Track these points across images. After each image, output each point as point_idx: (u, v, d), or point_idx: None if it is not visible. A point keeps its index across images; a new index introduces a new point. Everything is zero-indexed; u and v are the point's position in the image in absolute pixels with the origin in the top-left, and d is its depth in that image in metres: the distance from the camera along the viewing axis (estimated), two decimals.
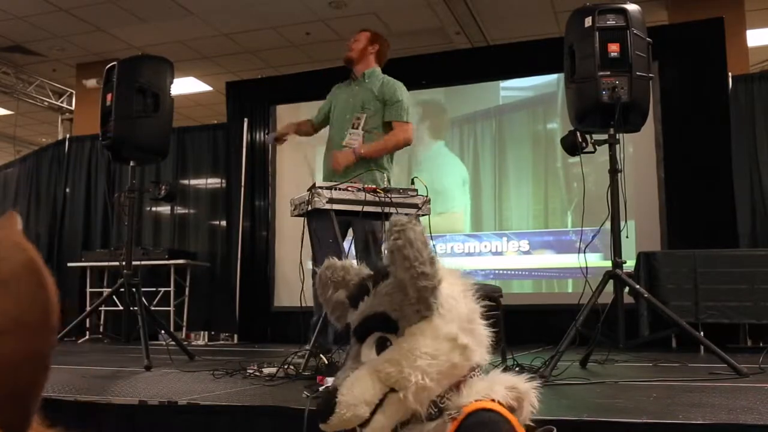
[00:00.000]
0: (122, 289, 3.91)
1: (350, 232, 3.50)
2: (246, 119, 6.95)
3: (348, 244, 3.38)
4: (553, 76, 6.05)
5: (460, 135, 6.42)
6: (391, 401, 1.10)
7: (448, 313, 1.10)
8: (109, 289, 4.59)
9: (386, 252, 1.12)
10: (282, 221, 6.61)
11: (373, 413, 1.10)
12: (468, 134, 6.40)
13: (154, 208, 7.44)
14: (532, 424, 1.16)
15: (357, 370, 1.13)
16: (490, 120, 6.34)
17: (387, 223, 1.12)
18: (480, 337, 1.15)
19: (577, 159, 3.63)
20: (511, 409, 1.11)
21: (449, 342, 1.09)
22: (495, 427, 1.05)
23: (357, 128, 3.56)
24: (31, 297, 0.53)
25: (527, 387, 1.15)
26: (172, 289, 6.68)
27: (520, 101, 6.30)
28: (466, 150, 6.38)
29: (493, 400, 1.09)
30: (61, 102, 9.63)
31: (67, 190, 7.78)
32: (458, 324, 1.10)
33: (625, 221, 3.29)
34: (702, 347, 3.86)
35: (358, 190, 3.04)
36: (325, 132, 3.91)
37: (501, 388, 1.11)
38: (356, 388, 1.11)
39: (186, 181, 7.44)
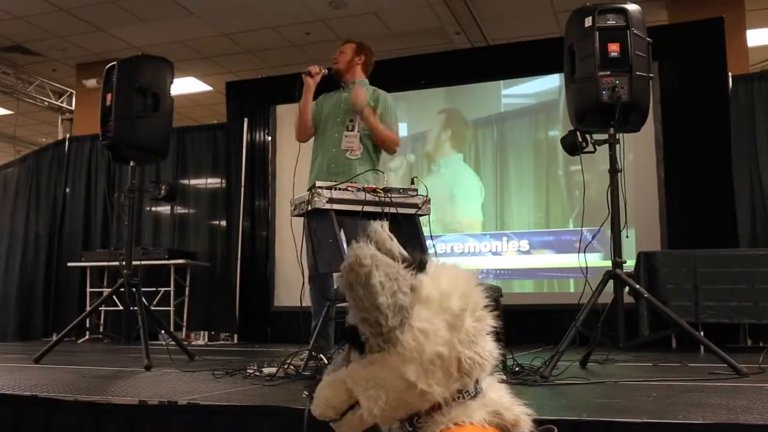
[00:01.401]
0: (122, 289, 3.91)
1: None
2: (246, 119, 6.95)
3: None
4: (555, 83, 6.05)
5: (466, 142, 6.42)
6: (357, 411, 1.11)
7: (410, 352, 1.04)
8: (109, 289, 4.58)
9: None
10: (282, 221, 6.60)
11: (344, 413, 1.12)
12: (469, 140, 6.40)
13: (154, 208, 7.43)
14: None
15: (337, 372, 1.14)
16: (491, 127, 6.33)
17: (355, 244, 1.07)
18: (467, 365, 1.09)
19: (578, 166, 3.63)
20: (504, 429, 1.10)
21: (404, 383, 1.05)
22: None
23: (352, 130, 3.60)
24: None
25: (518, 414, 1.11)
26: (172, 289, 6.67)
27: (521, 108, 6.29)
28: (467, 156, 6.38)
29: (471, 425, 1.07)
30: (61, 102, 9.63)
31: (67, 190, 7.78)
32: (419, 365, 1.05)
33: (626, 225, 3.29)
34: (702, 347, 3.87)
35: (358, 190, 3.04)
36: None
37: (481, 413, 1.08)
38: (326, 391, 1.13)
39: (186, 181, 7.43)
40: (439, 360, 1.06)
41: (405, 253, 1.15)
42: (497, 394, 1.15)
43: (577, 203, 5.85)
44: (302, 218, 3.39)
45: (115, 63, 3.97)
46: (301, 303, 3.52)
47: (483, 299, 1.15)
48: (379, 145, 3.66)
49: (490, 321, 1.15)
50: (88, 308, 5.70)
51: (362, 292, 1.04)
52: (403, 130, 6.59)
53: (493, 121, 6.33)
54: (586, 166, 3.45)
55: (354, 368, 1.12)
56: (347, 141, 3.59)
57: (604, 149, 3.32)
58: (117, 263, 5.70)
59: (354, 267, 1.03)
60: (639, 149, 5.58)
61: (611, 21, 3.20)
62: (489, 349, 1.14)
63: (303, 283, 3.49)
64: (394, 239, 1.15)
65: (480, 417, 1.08)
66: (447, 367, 1.07)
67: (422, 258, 1.14)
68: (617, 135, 3.27)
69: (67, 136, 8.69)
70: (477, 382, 1.12)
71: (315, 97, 3.82)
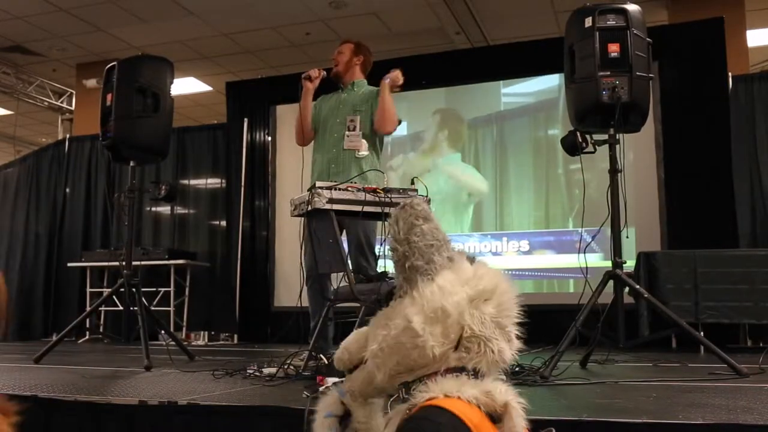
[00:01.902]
0: (122, 289, 3.91)
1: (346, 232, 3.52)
2: (246, 119, 6.95)
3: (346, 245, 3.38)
4: (555, 82, 6.05)
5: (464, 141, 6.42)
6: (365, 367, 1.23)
7: (421, 299, 1.16)
8: (109, 289, 4.59)
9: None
10: (282, 221, 6.61)
11: (356, 366, 1.24)
12: (469, 140, 6.40)
13: (154, 208, 7.43)
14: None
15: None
16: (491, 126, 6.33)
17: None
18: (465, 340, 1.16)
19: (578, 165, 3.63)
20: (493, 418, 1.12)
21: (404, 321, 1.16)
22: (427, 424, 1.08)
23: (354, 130, 3.60)
24: None
25: (510, 400, 1.15)
26: (172, 289, 6.67)
27: (521, 107, 6.29)
28: (468, 155, 6.38)
29: (458, 399, 1.10)
30: (61, 102, 9.63)
31: (67, 190, 7.78)
32: (422, 311, 1.15)
33: (626, 224, 3.29)
34: (702, 347, 3.87)
35: (358, 190, 3.04)
36: None
37: (472, 390, 1.12)
38: (349, 338, 1.28)
39: (186, 181, 7.43)
40: (442, 314, 1.15)
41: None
42: (494, 383, 1.18)
43: (576, 202, 5.85)
44: (301, 218, 3.40)
45: (115, 63, 3.96)
46: (300, 303, 3.52)
47: (514, 304, 1.26)
48: (378, 120, 3.61)
49: (512, 324, 1.23)
50: (88, 308, 5.70)
51: (402, 225, 1.20)
52: (402, 129, 6.59)
53: (492, 120, 6.33)
54: (586, 165, 3.45)
55: (375, 317, 1.24)
56: (350, 141, 3.59)
57: (604, 149, 3.32)
58: (117, 263, 5.70)
59: (407, 206, 1.21)
60: (639, 149, 5.58)
61: (611, 21, 3.20)
62: (502, 345, 1.19)
63: (302, 283, 3.49)
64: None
65: (470, 393, 1.12)
66: (447, 327, 1.16)
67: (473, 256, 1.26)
68: (617, 135, 3.27)
69: (67, 136, 8.69)
70: (476, 371, 1.16)
71: (313, 99, 3.82)
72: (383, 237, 3.14)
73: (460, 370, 1.16)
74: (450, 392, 1.12)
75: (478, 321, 1.17)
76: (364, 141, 3.60)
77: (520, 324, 1.25)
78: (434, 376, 1.15)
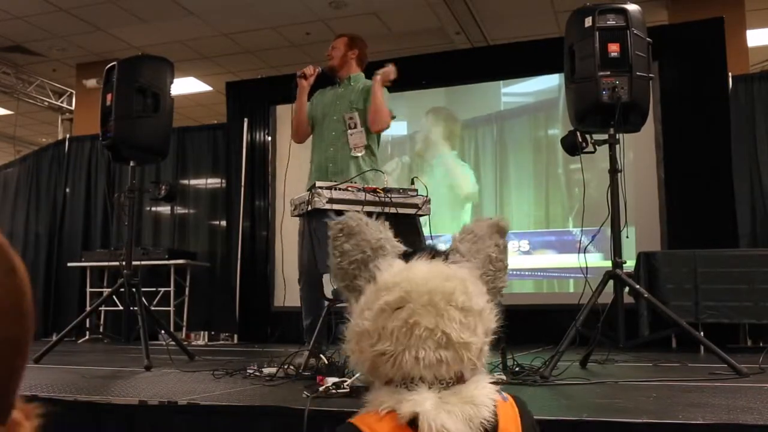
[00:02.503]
0: (122, 289, 3.92)
1: None
2: (246, 119, 6.95)
3: None
4: (554, 82, 6.05)
5: (461, 140, 6.41)
6: None
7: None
8: (109, 289, 4.59)
9: None
10: (282, 221, 6.60)
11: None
12: (469, 139, 6.39)
13: (154, 208, 7.43)
14: None
15: None
16: (491, 125, 6.33)
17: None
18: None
19: (578, 165, 3.63)
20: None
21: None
22: None
23: (355, 127, 3.56)
24: (1, 284, 0.52)
25: (421, 409, 1.05)
26: (172, 289, 6.67)
27: (521, 107, 6.29)
28: (467, 155, 6.38)
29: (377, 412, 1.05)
30: (61, 102, 9.63)
31: (67, 190, 7.78)
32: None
33: (626, 225, 3.29)
34: (702, 347, 3.86)
35: (358, 190, 3.04)
36: None
37: (383, 401, 1.06)
38: None
39: (186, 181, 7.43)
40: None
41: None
42: (415, 393, 1.08)
43: (576, 201, 5.85)
44: (298, 218, 3.41)
45: (115, 63, 3.97)
46: (300, 303, 3.53)
47: (459, 293, 1.14)
48: (370, 118, 3.55)
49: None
50: (88, 308, 5.70)
51: (337, 244, 1.24)
52: (402, 129, 6.60)
53: (492, 119, 6.33)
54: (586, 164, 3.45)
55: None
56: (354, 139, 3.55)
57: (603, 149, 3.32)
58: (117, 263, 5.69)
59: (334, 226, 1.26)
60: (639, 149, 5.58)
61: (611, 21, 3.20)
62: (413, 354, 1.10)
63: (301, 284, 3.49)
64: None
65: (389, 405, 1.05)
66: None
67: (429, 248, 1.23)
68: (617, 135, 3.27)
69: (67, 136, 8.69)
70: (413, 380, 1.07)
71: (310, 95, 3.78)
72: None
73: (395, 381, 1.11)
74: (383, 406, 1.08)
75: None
76: (363, 138, 3.58)
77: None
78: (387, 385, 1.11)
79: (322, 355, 2.94)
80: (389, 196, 3.06)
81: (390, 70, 3.55)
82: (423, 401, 1.06)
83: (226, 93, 7.36)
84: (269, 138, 6.93)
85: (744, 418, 1.76)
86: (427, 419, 1.03)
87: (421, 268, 1.18)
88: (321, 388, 2.24)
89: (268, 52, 8.26)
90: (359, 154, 3.55)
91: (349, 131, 3.56)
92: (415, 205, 3.16)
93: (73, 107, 9.53)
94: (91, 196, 7.66)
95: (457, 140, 6.47)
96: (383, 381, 1.12)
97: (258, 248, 6.80)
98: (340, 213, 3.00)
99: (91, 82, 8.43)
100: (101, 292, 6.48)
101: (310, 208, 2.99)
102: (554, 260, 5.89)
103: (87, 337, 6.85)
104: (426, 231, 3.24)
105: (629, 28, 3.17)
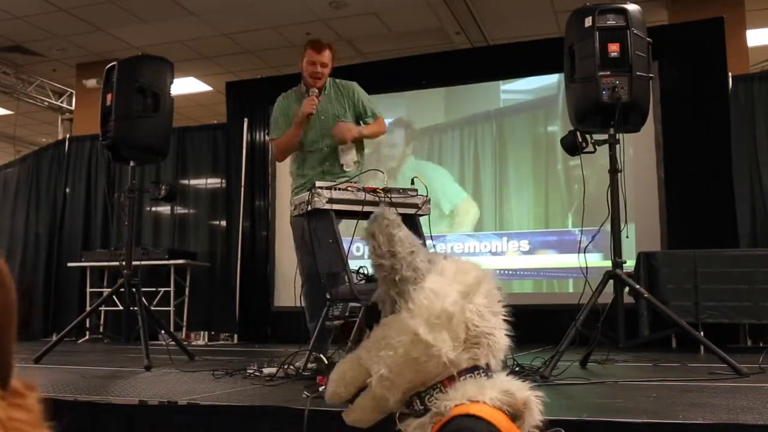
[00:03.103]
0: (122, 289, 3.91)
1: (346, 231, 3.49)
2: (246, 119, 6.95)
3: (347, 244, 3.37)
4: (554, 79, 6.05)
5: (461, 137, 6.41)
6: (368, 391, 1.16)
7: (418, 308, 1.12)
8: (109, 289, 4.58)
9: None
10: (282, 221, 6.60)
11: (357, 395, 1.17)
12: (468, 136, 6.39)
13: (154, 208, 7.43)
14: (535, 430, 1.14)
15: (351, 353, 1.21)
16: (490, 122, 6.33)
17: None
18: (471, 338, 1.14)
19: (577, 161, 3.63)
20: (513, 416, 1.10)
21: (410, 336, 1.10)
22: None
23: (346, 142, 3.53)
24: None
25: (529, 395, 1.14)
26: (172, 289, 6.67)
27: (520, 104, 6.30)
28: (467, 152, 6.37)
29: (484, 403, 1.08)
30: (61, 102, 9.62)
31: (67, 190, 7.77)
32: (425, 319, 1.11)
33: (626, 223, 3.29)
34: (702, 347, 3.87)
35: (358, 190, 3.04)
36: None
37: (493, 392, 1.11)
38: (340, 368, 1.21)
39: (186, 181, 7.43)
40: (446, 317, 1.12)
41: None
42: (507, 379, 1.18)
43: (575, 198, 5.86)
44: (294, 218, 3.40)
45: (115, 63, 3.97)
46: (301, 303, 3.52)
47: (497, 290, 1.23)
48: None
49: (501, 309, 1.22)
50: (88, 308, 5.70)
51: (382, 239, 1.14)
52: (402, 128, 6.60)
53: (491, 117, 6.33)
54: (585, 162, 3.45)
55: (367, 339, 1.18)
56: (345, 155, 3.54)
57: (603, 148, 3.32)
58: (117, 263, 5.70)
59: (379, 218, 1.16)
60: (639, 149, 5.58)
61: (611, 21, 3.20)
62: (498, 332, 1.18)
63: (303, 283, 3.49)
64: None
65: (492, 395, 1.10)
66: (454, 328, 1.12)
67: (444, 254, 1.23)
68: (617, 135, 3.27)
69: (67, 136, 8.69)
70: (488, 366, 1.15)
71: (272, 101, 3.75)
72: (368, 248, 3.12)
73: (473, 369, 1.14)
74: (473, 397, 1.09)
75: (476, 315, 1.15)
76: (354, 153, 3.58)
77: (506, 308, 1.25)
78: (451, 382, 1.12)
79: (322, 356, 2.94)
80: (389, 196, 3.06)
81: (344, 136, 3.49)
82: (524, 387, 1.15)
83: (226, 93, 7.36)
84: (269, 138, 6.92)
85: (744, 418, 1.76)
86: (537, 404, 1.13)
87: (466, 260, 1.25)
88: (321, 388, 2.24)
89: (268, 52, 8.26)
90: (349, 170, 3.56)
91: (340, 147, 3.55)
92: (415, 205, 3.16)
93: (73, 107, 9.53)
94: (91, 196, 7.66)
95: (429, 148, 6.48)
96: (445, 375, 1.11)
97: (258, 248, 6.80)
98: (340, 213, 3.01)
99: (91, 82, 8.43)
100: (101, 292, 6.48)
101: (310, 208, 2.99)
102: (554, 260, 5.89)
103: (87, 337, 6.85)
104: (426, 231, 3.24)
105: (629, 28, 3.16)
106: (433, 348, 1.10)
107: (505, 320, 1.21)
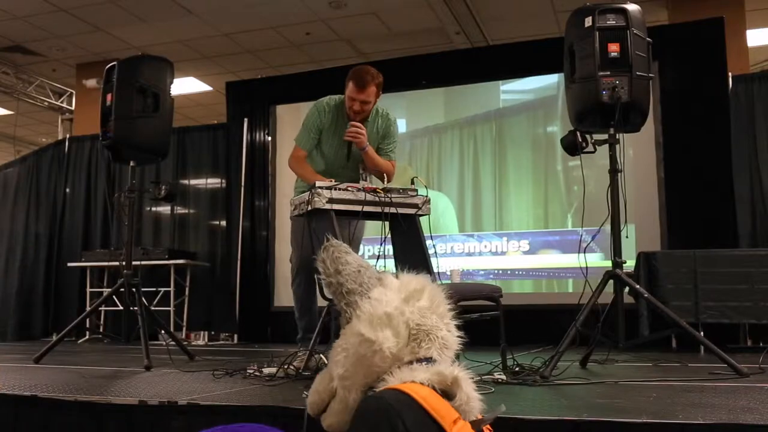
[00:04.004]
0: (122, 289, 3.91)
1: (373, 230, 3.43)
2: (246, 119, 6.95)
3: (376, 244, 3.34)
4: (554, 79, 6.05)
5: (460, 137, 6.41)
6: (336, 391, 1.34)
7: (363, 313, 1.32)
8: (109, 289, 4.58)
9: None
10: (282, 221, 6.60)
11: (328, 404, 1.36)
12: (468, 137, 6.39)
13: (154, 208, 7.43)
14: (481, 416, 1.26)
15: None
16: (490, 123, 6.33)
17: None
18: (413, 334, 1.31)
19: (577, 162, 3.63)
20: (446, 395, 1.24)
21: (357, 337, 1.29)
22: (371, 399, 1.21)
23: (365, 179, 3.39)
24: None
25: (457, 372, 1.27)
26: (172, 289, 6.67)
27: (520, 104, 6.29)
28: (466, 152, 6.38)
29: (413, 383, 1.23)
30: (61, 102, 9.62)
31: (67, 190, 7.77)
32: (369, 321, 1.30)
33: (626, 223, 3.29)
34: (702, 347, 3.87)
35: (358, 190, 3.04)
36: None
37: (425, 374, 1.25)
38: (315, 381, 1.41)
39: (186, 181, 7.43)
40: (387, 317, 1.30)
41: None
42: (444, 366, 1.31)
43: (575, 198, 5.86)
44: (291, 218, 3.38)
45: (115, 63, 3.97)
46: (294, 302, 3.52)
47: (444, 297, 1.39)
48: (382, 176, 3.44)
49: (447, 311, 1.38)
50: (88, 308, 5.70)
51: (329, 262, 1.38)
52: (401, 127, 6.59)
53: (491, 117, 6.33)
54: (585, 161, 3.44)
55: (331, 352, 1.38)
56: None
57: (603, 148, 3.32)
58: (117, 263, 5.69)
59: (328, 247, 1.41)
60: (639, 149, 5.58)
61: (611, 21, 3.20)
62: (444, 333, 1.34)
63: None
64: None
65: (423, 377, 1.25)
66: (395, 327, 1.30)
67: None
68: (617, 135, 3.27)
69: (67, 136, 8.68)
70: (431, 359, 1.30)
71: (328, 91, 3.54)
72: (383, 236, 3.14)
73: (416, 361, 1.29)
74: (405, 379, 1.24)
75: (417, 315, 1.31)
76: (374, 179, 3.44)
77: (456, 316, 1.40)
78: (389, 372, 1.27)
79: (322, 355, 2.94)
80: (389, 196, 3.06)
81: (356, 136, 3.31)
82: (456, 369, 1.28)
83: (226, 93, 7.36)
84: (269, 138, 6.92)
85: (744, 418, 1.76)
86: (466, 380, 1.27)
87: (415, 275, 1.46)
88: None
89: (268, 52, 8.26)
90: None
91: (361, 181, 3.35)
92: (414, 205, 3.16)
93: (73, 107, 9.53)
94: (91, 196, 7.66)
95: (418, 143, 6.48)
96: (392, 369, 1.28)
97: (258, 248, 6.80)
98: (340, 213, 3.01)
99: (91, 82, 8.43)
100: (101, 292, 6.48)
101: (310, 208, 2.99)
102: (554, 260, 5.89)
103: (87, 337, 6.85)
104: (425, 231, 3.24)
105: (629, 28, 3.16)
106: (375, 343, 1.27)
107: (452, 323, 1.38)
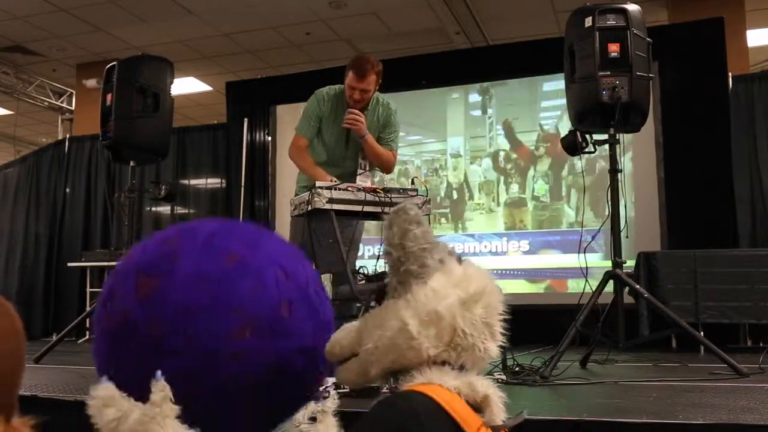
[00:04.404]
0: None
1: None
2: (246, 119, 6.95)
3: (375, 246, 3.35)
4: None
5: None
6: (358, 358, 1.28)
7: (415, 301, 1.21)
8: None
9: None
10: (282, 221, 6.60)
11: (349, 358, 1.30)
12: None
13: (154, 208, 7.43)
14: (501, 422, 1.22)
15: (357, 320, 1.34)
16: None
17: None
18: (455, 342, 1.22)
19: (578, 162, 3.63)
20: (477, 409, 1.18)
21: (399, 323, 1.20)
22: (398, 400, 1.15)
23: (365, 169, 3.40)
24: (3, 332, 0.71)
25: (489, 391, 1.21)
26: None
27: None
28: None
29: (440, 386, 1.16)
30: (61, 102, 9.62)
31: (67, 190, 7.77)
32: (417, 313, 1.20)
33: (626, 223, 3.29)
34: (702, 347, 3.86)
35: (358, 190, 3.04)
36: None
37: (455, 381, 1.19)
38: (341, 332, 1.33)
39: (186, 181, 7.43)
40: (436, 317, 1.20)
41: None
42: (475, 377, 1.24)
43: (576, 199, 5.85)
44: (291, 218, 3.38)
45: (115, 63, 3.97)
46: None
47: (500, 303, 1.29)
48: (380, 166, 3.48)
49: (498, 323, 1.28)
50: (88, 308, 5.70)
51: (397, 230, 1.23)
52: (401, 128, 6.59)
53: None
54: (586, 161, 3.45)
55: (370, 314, 1.30)
56: (362, 180, 3.42)
57: (603, 149, 3.32)
58: (117, 263, 5.69)
59: (399, 211, 1.25)
60: (639, 149, 5.58)
61: (611, 21, 3.20)
62: (489, 344, 1.25)
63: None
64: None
65: (452, 384, 1.18)
66: (441, 330, 1.21)
67: (459, 255, 1.30)
68: (617, 135, 3.27)
69: (67, 136, 8.68)
70: (463, 367, 1.22)
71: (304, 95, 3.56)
72: (383, 236, 3.13)
73: (445, 363, 1.22)
74: (433, 381, 1.18)
75: (469, 323, 1.22)
76: (371, 178, 3.43)
77: (506, 321, 1.31)
78: (421, 367, 1.20)
79: None
80: (389, 196, 3.06)
81: (354, 123, 3.30)
82: (487, 385, 1.21)
83: (226, 93, 7.36)
84: (269, 138, 6.93)
85: (744, 418, 1.76)
86: (496, 401, 1.19)
87: (478, 267, 1.32)
88: (321, 388, 2.24)
89: (268, 52, 8.26)
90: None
91: (359, 171, 3.40)
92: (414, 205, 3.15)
93: (73, 107, 9.52)
94: (91, 196, 7.66)
95: None
96: (419, 365, 1.20)
97: None
98: (340, 213, 3.01)
99: (91, 82, 8.42)
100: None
101: (310, 208, 2.99)
102: (554, 260, 5.89)
103: (87, 337, 6.84)
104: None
105: (629, 28, 3.17)
106: (415, 341, 1.19)
107: (498, 331, 1.28)
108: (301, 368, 1.37)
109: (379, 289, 1.32)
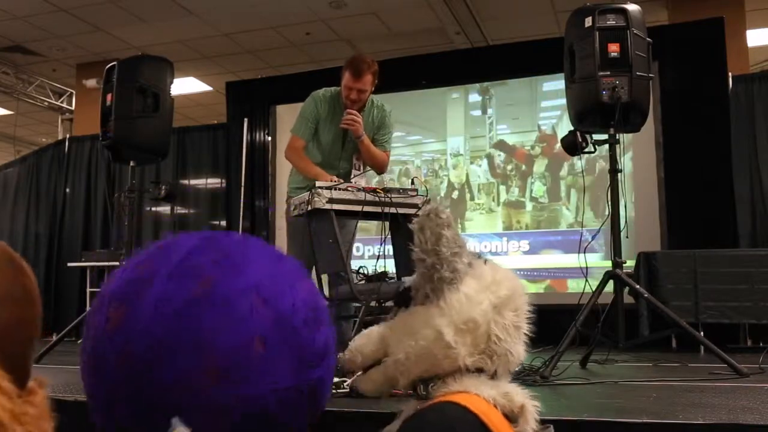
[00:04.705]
0: None
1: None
2: (246, 119, 6.95)
3: (376, 244, 3.34)
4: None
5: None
6: (381, 366, 1.23)
7: (449, 308, 1.16)
8: None
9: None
10: (282, 221, 6.59)
11: (371, 367, 1.24)
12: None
13: (154, 208, 7.43)
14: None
15: (376, 326, 1.28)
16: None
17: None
18: (491, 348, 1.19)
19: (578, 161, 3.63)
20: (508, 418, 1.14)
21: (434, 333, 1.16)
22: (435, 415, 1.11)
23: (359, 169, 3.42)
24: (12, 278, 0.69)
25: (526, 401, 1.17)
26: None
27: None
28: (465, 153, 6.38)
29: (477, 396, 1.13)
30: (61, 102, 9.62)
31: (67, 190, 7.77)
32: (451, 321, 1.16)
33: (626, 223, 3.29)
34: (702, 347, 3.86)
35: (358, 190, 3.04)
36: None
37: (491, 390, 1.15)
38: (361, 339, 1.27)
39: (186, 181, 7.43)
40: (473, 325, 1.17)
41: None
42: (509, 384, 1.22)
43: (576, 199, 5.85)
44: (287, 220, 3.38)
45: (115, 63, 3.97)
46: None
47: (527, 305, 1.28)
48: (373, 166, 3.48)
49: (526, 325, 1.26)
50: (88, 308, 5.70)
51: (430, 235, 1.17)
52: (400, 129, 6.60)
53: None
54: (586, 161, 3.45)
55: (395, 320, 1.24)
56: (356, 181, 3.45)
57: (603, 148, 3.32)
58: (117, 263, 5.69)
59: (432, 214, 1.19)
60: (639, 149, 5.58)
61: (611, 21, 3.20)
62: (519, 348, 1.23)
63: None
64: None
65: (489, 392, 1.14)
66: (476, 337, 1.17)
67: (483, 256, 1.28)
68: (617, 135, 3.27)
69: (67, 136, 8.69)
70: (496, 372, 1.20)
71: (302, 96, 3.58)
72: (383, 236, 3.14)
73: (480, 371, 1.18)
74: (469, 389, 1.14)
75: (502, 328, 1.20)
76: (366, 179, 3.45)
77: (531, 322, 1.29)
78: (454, 375, 1.17)
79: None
80: (389, 196, 3.06)
81: (352, 124, 3.31)
82: (522, 394, 1.18)
83: (226, 93, 7.36)
84: (269, 138, 6.93)
85: (744, 418, 1.76)
86: (532, 412, 1.16)
87: (503, 268, 1.29)
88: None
89: (268, 52, 8.26)
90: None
91: (354, 171, 3.43)
92: (414, 205, 3.16)
93: (73, 107, 9.52)
94: (91, 196, 7.66)
95: None
96: (448, 372, 1.17)
97: None
98: (340, 213, 3.01)
99: (91, 82, 8.42)
100: None
101: (310, 208, 2.99)
102: (554, 260, 5.90)
103: None
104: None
105: (629, 28, 3.16)
106: (452, 350, 1.15)
107: (526, 335, 1.27)
108: (275, 413, 1.19)
109: (401, 294, 1.26)
